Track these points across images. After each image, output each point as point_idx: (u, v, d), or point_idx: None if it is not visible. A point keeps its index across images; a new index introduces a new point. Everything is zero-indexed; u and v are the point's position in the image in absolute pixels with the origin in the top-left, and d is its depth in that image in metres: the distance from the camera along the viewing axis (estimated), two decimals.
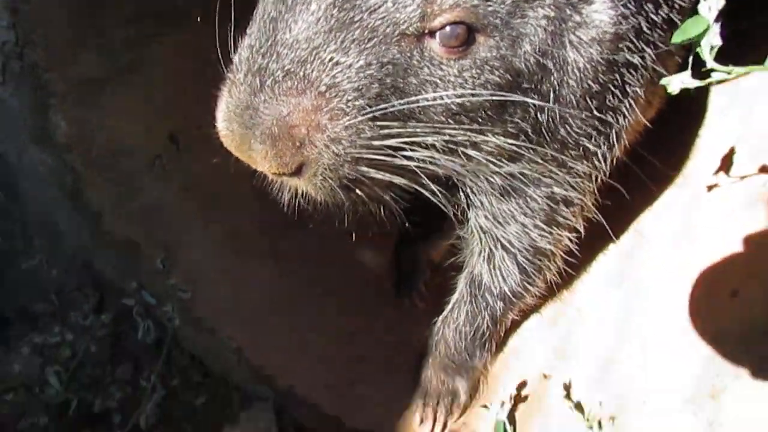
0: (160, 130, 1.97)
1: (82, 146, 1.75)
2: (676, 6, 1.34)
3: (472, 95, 1.06)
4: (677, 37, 1.07)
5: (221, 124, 1.06)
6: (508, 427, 1.62)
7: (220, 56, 1.09)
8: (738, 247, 1.41)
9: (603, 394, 1.55)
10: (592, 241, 1.71)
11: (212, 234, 2.05)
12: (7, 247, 2.17)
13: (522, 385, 1.80)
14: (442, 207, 1.33)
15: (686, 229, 1.73)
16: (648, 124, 1.76)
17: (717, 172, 1.59)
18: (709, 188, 1.61)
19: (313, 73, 0.99)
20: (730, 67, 1.03)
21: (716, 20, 1.03)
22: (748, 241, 1.37)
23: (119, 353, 2.06)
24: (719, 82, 1.06)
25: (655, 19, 1.29)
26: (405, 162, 1.10)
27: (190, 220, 2.02)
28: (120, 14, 1.87)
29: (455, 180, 1.37)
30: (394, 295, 2.20)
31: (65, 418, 1.89)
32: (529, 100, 1.14)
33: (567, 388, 1.64)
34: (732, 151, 1.56)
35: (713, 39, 1.03)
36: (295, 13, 1.00)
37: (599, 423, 1.43)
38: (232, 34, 1.09)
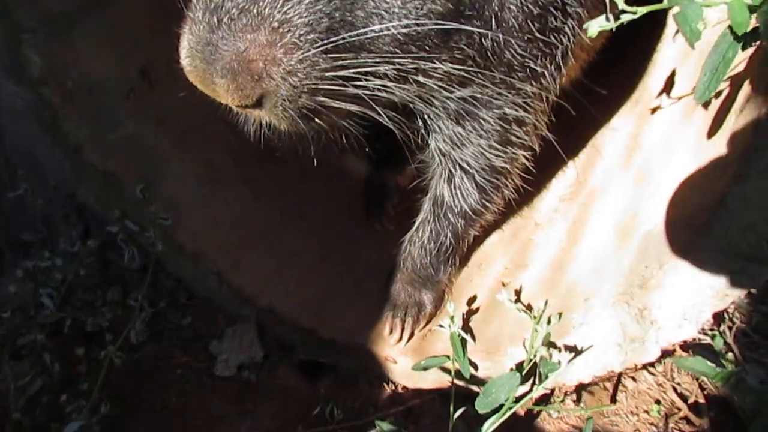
0: (132, 65, 1.97)
1: (57, 80, 1.74)
2: None
3: (417, 25, 1.11)
4: None
5: (185, 60, 1.10)
6: (465, 335, 1.74)
7: None
8: (675, 158, 1.51)
9: (551, 295, 1.67)
10: (550, 160, 1.76)
11: (188, 165, 2.09)
12: None
13: (472, 299, 1.91)
14: (398, 133, 1.40)
15: (635, 144, 1.83)
16: (601, 46, 1.82)
17: (660, 94, 1.67)
18: (653, 110, 1.70)
19: (266, 9, 1.03)
20: (635, 8, 1.11)
21: None
22: (682, 150, 1.48)
23: (108, 278, 2.13)
24: (629, 22, 1.15)
25: None
26: (359, 91, 1.15)
27: (167, 152, 2.04)
28: None
29: (412, 107, 1.41)
30: (366, 219, 2.28)
31: (60, 336, 1.96)
32: (471, 28, 1.18)
33: (518, 293, 1.77)
34: (673, 73, 1.62)
35: None
36: None
37: (549, 320, 1.56)
38: None
